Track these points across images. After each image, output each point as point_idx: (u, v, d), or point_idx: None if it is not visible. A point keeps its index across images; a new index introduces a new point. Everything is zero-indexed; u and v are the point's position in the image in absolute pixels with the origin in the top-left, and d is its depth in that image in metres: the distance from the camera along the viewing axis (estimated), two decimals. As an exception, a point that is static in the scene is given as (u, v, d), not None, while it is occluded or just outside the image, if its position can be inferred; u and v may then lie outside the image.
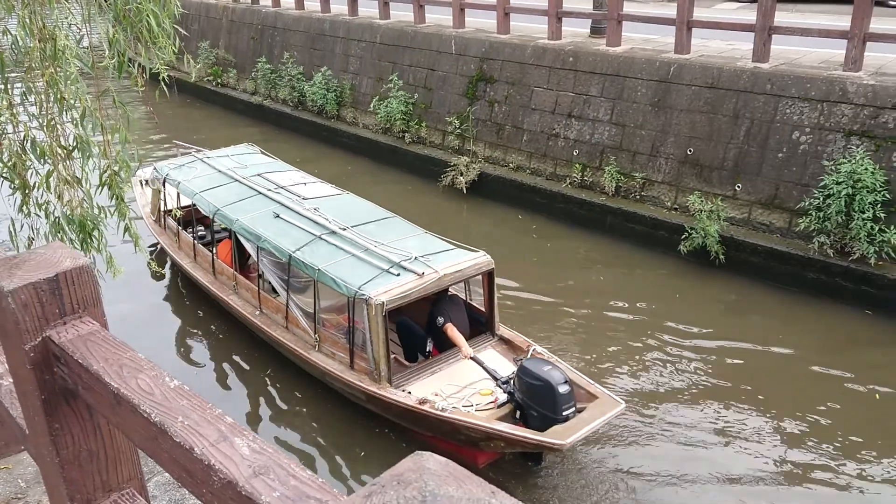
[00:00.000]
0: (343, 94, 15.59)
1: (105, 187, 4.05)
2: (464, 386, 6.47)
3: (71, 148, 3.84)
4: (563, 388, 5.87)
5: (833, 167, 8.63)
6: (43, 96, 3.72)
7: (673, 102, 10.35)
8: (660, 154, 10.46)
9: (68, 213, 3.81)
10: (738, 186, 9.63)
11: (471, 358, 6.67)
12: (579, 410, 5.96)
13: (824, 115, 8.98)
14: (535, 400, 5.98)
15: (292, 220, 7.90)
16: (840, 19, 11.30)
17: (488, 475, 6.18)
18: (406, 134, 13.89)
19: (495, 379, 6.46)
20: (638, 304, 9.04)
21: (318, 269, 6.87)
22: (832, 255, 8.58)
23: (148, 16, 3.50)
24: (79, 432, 1.66)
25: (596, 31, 12.30)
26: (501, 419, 6.08)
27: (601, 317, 8.91)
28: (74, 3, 4.01)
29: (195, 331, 9.06)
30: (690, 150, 10.13)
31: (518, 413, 6.18)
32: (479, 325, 7.28)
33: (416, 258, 6.85)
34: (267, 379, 7.96)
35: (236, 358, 8.38)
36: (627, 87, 10.86)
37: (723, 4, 16.08)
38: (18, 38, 3.53)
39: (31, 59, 3.62)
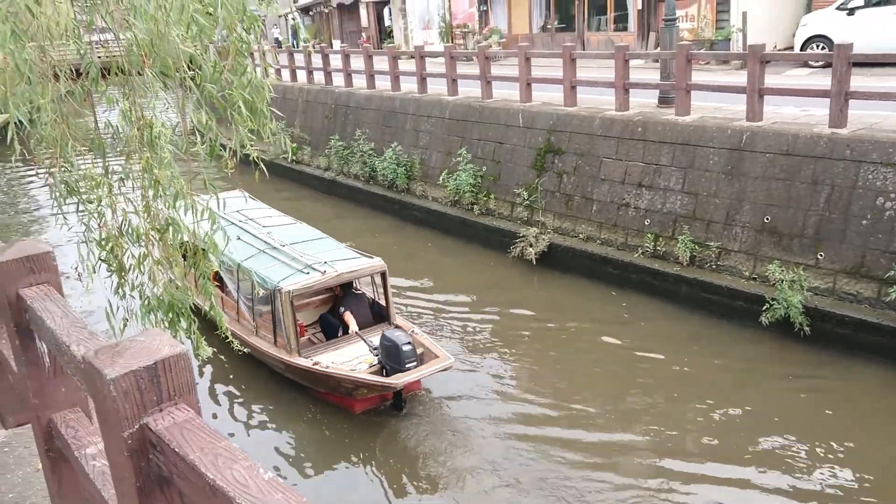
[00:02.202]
0: (413, 168, 15.95)
1: (193, 267, 4.21)
2: (355, 357, 8.53)
3: (163, 230, 4.02)
4: (406, 347, 7.92)
5: (924, 234, 8.23)
6: (140, 181, 3.94)
7: (747, 170, 10.16)
8: (735, 222, 10.21)
9: (159, 294, 3.97)
10: (821, 255, 9.27)
11: (356, 333, 8.87)
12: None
13: (910, 180, 8.63)
14: (388, 357, 8.05)
15: (247, 240, 10.15)
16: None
17: (366, 418, 8.35)
18: (475, 206, 14.04)
19: (369, 346, 8.50)
20: (719, 376, 8.68)
21: (253, 272, 8.90)
22: (928, 326, 8.10)
23: (240, 102, 3.70)
24: (171, 520, 1.66)
25: (664, 100, 12.30)
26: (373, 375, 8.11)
27: (685, 396, 8.58)
28: (171, 92, 4.27)
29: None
30: (767, 218, 9.86)
31: (384, 371, 8.13)
32: (382, 316, 9.40)
33: (325, 262, 9.06)
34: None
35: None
36: (699, 156, 10.74)
37: (794, 71, 15.89)
38: (119, 128, 3.77)
39: (129, 146, 3.85)
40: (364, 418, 8.35)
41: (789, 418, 7.85)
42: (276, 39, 34.76)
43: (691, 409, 8.22)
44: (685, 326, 10.06)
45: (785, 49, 18.32)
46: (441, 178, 14.79)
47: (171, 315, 4.01)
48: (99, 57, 4.25)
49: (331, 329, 9.39)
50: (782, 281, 9.20)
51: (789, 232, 9.64)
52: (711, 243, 10.35)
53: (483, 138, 14.40)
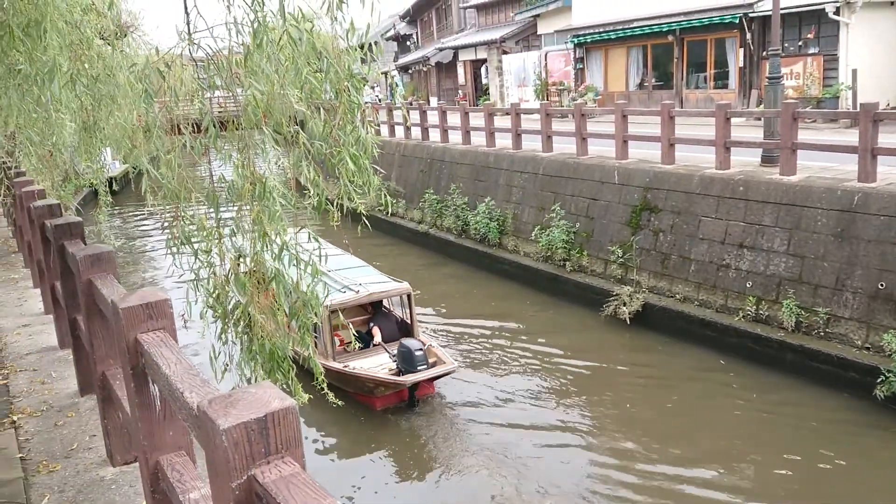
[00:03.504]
0: (505, 222, 16.01)
1: (294, 318, 4.34)
2: (380, 364, 9.97)
3: (269, 280, 4.18)
4: (417, 353, 9.55)
5: None
6: (248, 233, 4.13)
7: (859, 233, 9.64)
8: (846, 287, 9.66)
9: (261, 342, 4.10)
10: (944, 326, 8.62)
11: (379, 343, 10.32)
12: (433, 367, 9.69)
13: None
14: (403, 361, 9.59)
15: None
16: None
17: (385, 415, 9.73)
18: (567, 262, 13.89)
19: (390, 354, 9.98)
20: (824, 455, 8.10)
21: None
22: None
23: (347, 158, 3.84)
24: (272, 573, 1.67)
25: (767, 159, 11.93)
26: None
27: (800, 477, 8.05)
28: (281, 147, 4.48)
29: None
30: (882, 285, 9.28)
31: (400, 374, 9.55)
32: (409, 333, 10.78)
33: (360, 284, 10.65)
34: None
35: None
36: (805, 217, 10.29)
37: (909, 129, 15.10)
38: (234, 182, 3.98)
39: (242, 199, 4.05)
40: (386, 417, 9.75)
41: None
42: (378, 97, 36.07)
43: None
44: (788, 396, 9.50)
45: (899, 107, 17.50)
46: (533, 234, 14.76)
47: (271, 364, 4.13)
48: (218, 113, 4.53)
49: (363, 342, 10.73)
50: (900, 352, 8.58)
51: (907, 300, 9.03)
52: (819, 309, 9.81)
53: (577, 194, 14.33)
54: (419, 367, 9.45)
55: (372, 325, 10.80)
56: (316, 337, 9.32)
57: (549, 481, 8.02)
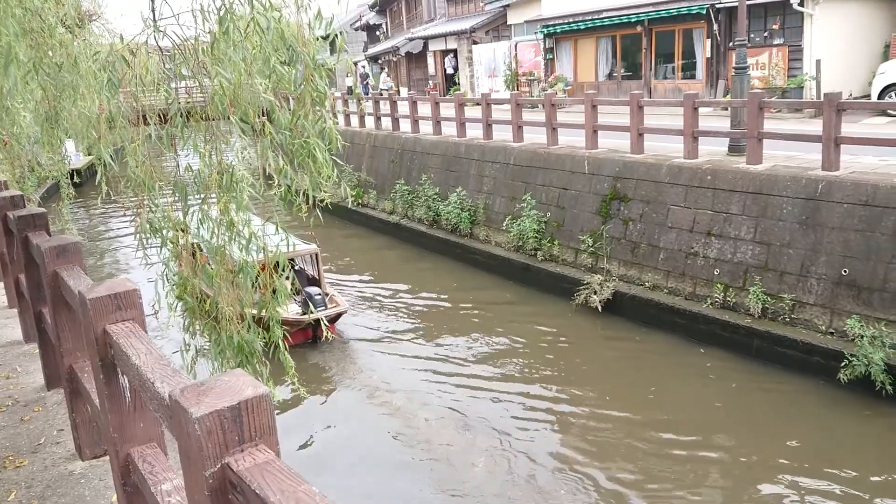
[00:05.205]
0: (476, 213, 16.04)
1: (262, 310, 4.30)
2: (295, 312, 11.56)
3: (236, 272, 4.13)
4: (317, 297, 11.77)
5: None
6: (216, 222, 4.07)
7: (823, 220, 9.84)
8: (810, 274, 9.86)
9: (229, 335, 4.06)
10: (904, 310, 8.84)
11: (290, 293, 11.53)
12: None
13: None
14: (305, 304, 11.62)
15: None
16: None
17: (297, 351, 10.13)
18: (538, 252, 13.97)
19: (297, 302, 11.66)
20: (794, 441, 8.29)
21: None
22: None
23: (314, 149, 3.81)
24: (247, 562, 1.66)
25: (734, 148, 12.10)
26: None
27: (759, 455, 8.22)
28: (248, 137, 4.43)
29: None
30: (845, 271, 9.49)
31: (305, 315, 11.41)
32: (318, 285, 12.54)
33: (275, 246, 11.65)
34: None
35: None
36: (771, 205, 10.47)
37: (871, 119, 15.44)
38: (200, 172, 3.92)
39: (209, 189, 3.99)
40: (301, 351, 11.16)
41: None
42: (349, 88, 35.78)
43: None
44: (754, 381, 9.68)
45: (861, 97, 17.85)
46: (505, 224, 14.81)
47: (240, 357, 4.09)
48: (185, 103, 4.46)
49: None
50: (862, 336, 8.79)
51: (869, 285, 9.24)
52: (785, 295, 10.00)
53: (547, 184, 14.39)
54: (319, 309, 11.57)
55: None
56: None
57: (529, 461, 8.11)
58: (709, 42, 20.25)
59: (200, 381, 1.74)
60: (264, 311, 4.68)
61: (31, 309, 4.76)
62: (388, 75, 37.42)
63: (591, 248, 12.90)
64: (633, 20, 21.81)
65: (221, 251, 4.14)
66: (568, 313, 12.46)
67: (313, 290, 11.94)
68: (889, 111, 15.01)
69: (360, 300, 14.35)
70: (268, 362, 4.60)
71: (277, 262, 4.37)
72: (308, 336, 11.78)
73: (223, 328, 4.15)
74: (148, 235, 4.30)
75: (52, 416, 4.49)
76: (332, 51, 4.71)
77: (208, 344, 4.43)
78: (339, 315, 12.08)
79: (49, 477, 3.77)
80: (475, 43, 31.13)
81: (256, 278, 4.30)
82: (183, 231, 4.63)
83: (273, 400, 1.71)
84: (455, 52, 33.37)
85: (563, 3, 24.81)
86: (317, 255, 12.88)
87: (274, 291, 4.38)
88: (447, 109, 19.18)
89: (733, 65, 12.88)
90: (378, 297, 14.50)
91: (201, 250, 4.70)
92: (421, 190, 17.83)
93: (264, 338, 4.48)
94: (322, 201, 4.58)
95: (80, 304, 2.78)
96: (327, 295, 12.31)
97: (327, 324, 9.10)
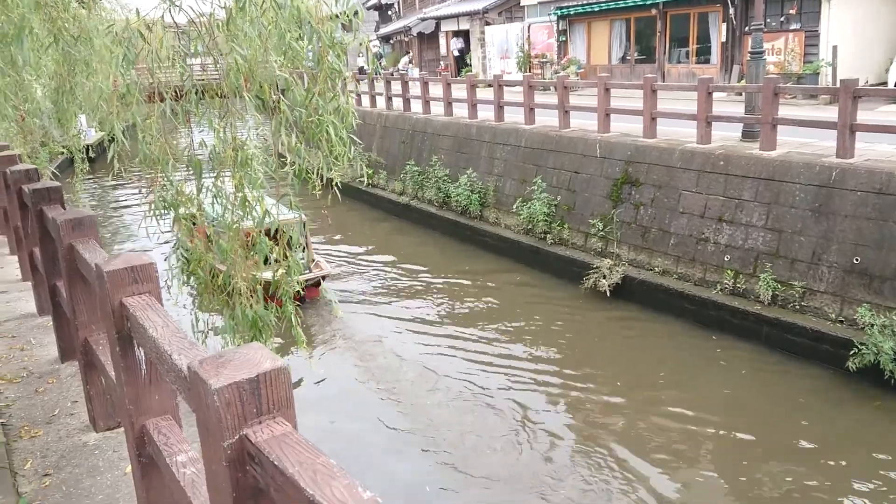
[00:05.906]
0: (487, 195, 16.00)
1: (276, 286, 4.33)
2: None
3: (249, 248, 4.15)
4: (301, 261, 13.30)
5: None
6: (230, 198, 4.09)
7: (836, 208, 9.77)
8: (822, 262, 9.81)
9: (243, 309, 4.09)
10: (916, 300, 8.80)
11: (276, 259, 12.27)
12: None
13: None
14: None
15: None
16: None
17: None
18: (548, 235, 13.95)
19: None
20: (805, 429, 8.30)
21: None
22: None
23: (327, 127, 3.80)
24: (264, 532, 1.68)
25: (748, 134, 12.01)
26: None
27: (773, 444, 8.24)
28: (263, 115, 4.43)
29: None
30: (857, 259, 9.44)
31: None
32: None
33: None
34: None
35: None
36: (784, 192, 10.40)
37: (887, 107, 15.26)
38: (216, 148, 3.93)
39: (223, 166, 4.00)
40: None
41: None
42: (361, 68, 35.61)
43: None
44: (763, 367, 9.68)
45: (877, 85, 17.66)
46: (515, 206, 14.78)
47: (253, 331, 4.12)
48: (199, 80, 4.45)
49: (266, 261, 13.36)
50: (872, 325, 8.76)
51: (881, 274, 9.20)
52: (795, 283, 9.96)
53: (558, 167, 14.34)
54: (304, 272, 11.87)
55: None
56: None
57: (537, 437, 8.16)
58: (724, 26, 20.03)
59: (219, 353, 1.75)
60: (273, 274, 4.71)
61: (45, 282, 4.81)
62: (411, 61, 36.88)
63: (601, 232, 12.87)
64: (648, 3, 21.59)
65: (235, 227, 4.15)
66: (577, 297, 12.46)
67: (297, 255, 13.10)
68: (906, 99, 14.83)
69: (366, 279, 14.40)
70: (280, 339, 4.64)
71: (290, 238, 4.38)
72: (297, 299, 12.78)
73: (237, 302, 4.18)
74: (162, 212, 4.32)
75: (66, 388, 4.54)
76: (345, 29, 4.69)
77: (220, 319, 4.46)
78: (322, 278, 12.73)
79: (63, 447, 3.83)
80: (487, 24, 30.88)
81: (271, 251, 4.32)
82: (198, 207, 4.64)
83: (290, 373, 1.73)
84: (462, 33, 33.10)
85: (578, -15, 24.58)
86: (304, 223, 13.34)
87: (288, 268, 4.42)
88: (459, 91, 19.09)
89: (749, 49, 12.74)
90: (386, 277, 14.54)
91: (212, 223, 4.71)
92: (431, 171, 17.80)
93: (277, 313, 4.51)
94: (332, 180, 4.58)
95: (97, 276, 2.80)
96: (313, 261, 13.03)
97: (304, 289, 9.68)
